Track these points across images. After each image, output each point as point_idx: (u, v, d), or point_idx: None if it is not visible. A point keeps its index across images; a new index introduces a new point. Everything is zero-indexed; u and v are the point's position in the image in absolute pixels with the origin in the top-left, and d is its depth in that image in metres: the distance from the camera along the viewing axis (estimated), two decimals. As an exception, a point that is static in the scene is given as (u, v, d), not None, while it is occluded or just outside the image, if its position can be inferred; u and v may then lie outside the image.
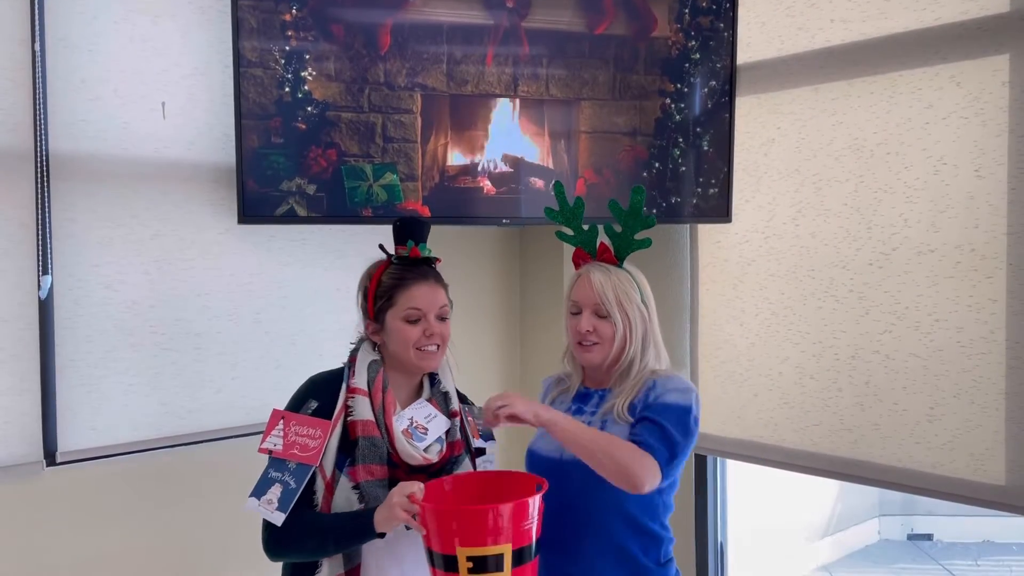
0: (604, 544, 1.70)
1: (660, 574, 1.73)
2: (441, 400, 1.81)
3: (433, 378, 1.82)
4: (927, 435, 2.23)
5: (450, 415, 1.79)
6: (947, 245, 2.19)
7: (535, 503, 1.51)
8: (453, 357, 1.85)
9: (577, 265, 1.84)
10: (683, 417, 1.68)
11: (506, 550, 1.46)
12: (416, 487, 1.54)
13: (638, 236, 1.80)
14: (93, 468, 2.18)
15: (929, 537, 6.57)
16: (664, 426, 1.65)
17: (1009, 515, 2.19)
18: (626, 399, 1.73)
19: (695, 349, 2.74)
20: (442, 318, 1.76)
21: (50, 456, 2.12)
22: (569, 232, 1.85)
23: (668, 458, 1.63)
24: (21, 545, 2.08)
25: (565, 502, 1.68)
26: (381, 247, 1.81)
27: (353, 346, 1.79)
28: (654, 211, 2.50)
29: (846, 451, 2.39)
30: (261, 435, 1.67)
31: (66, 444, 2.15)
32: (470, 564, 1.45)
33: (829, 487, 5.99)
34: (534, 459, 1.81)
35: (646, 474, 1.58)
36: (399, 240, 1.79)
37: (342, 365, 1.77)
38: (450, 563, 1.46)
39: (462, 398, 1.87)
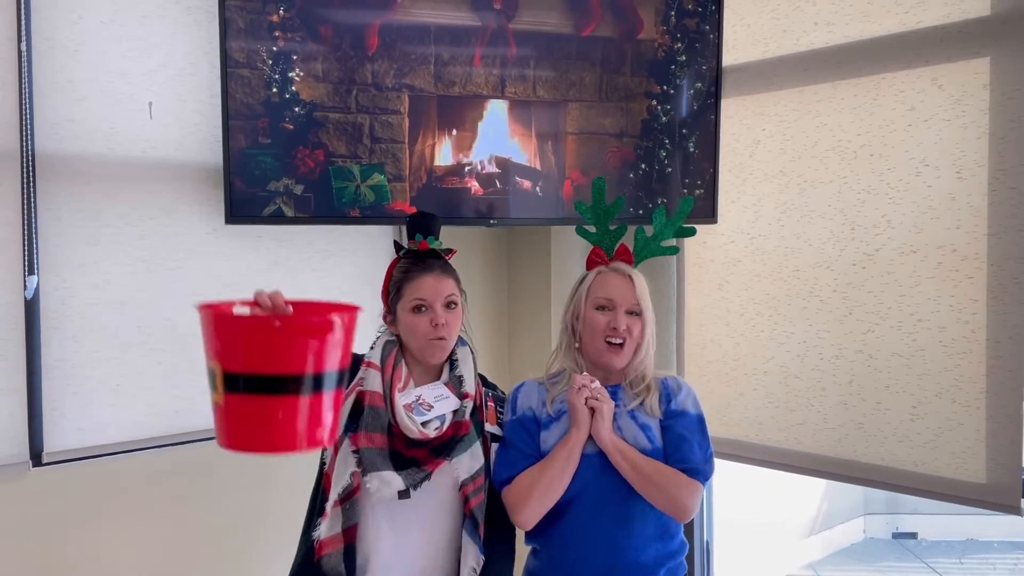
0: (652, 521, 1.76)
1: (685, 550, 1.83)
2: (456, 383, 1.85)
3: (453, 364, 1.87)
4: (910, 434, 2.26)
5: (461, 396, 1.83)
6: (929, 246, 2.22)
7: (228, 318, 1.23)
8: (475, 342, 1.93)
9: (592, 264, 1.87)
10: (705, 426, 1.82)
11: (215, 368, 1.21)
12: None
13: (665, 243, 1.84)
14: (80, 468, 2.18)
15: (914, 535, 6.62)
16: (704, 445, 1.78)
17: (990, 513, 2.21)
18: (652, 396, 1.80)
19: (681, 349, 2.76)
20: (449, 307, 1.79)
21: (36, 456, 2.11)
22: (592, 230, 1.88)
23: (709, 474, 1.75)
24: (7, 545, 2.08)
25: (612, 489, 1.74)
26: (395, 243, 1.88)
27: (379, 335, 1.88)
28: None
29: (830, 450, 2.41)
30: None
31: (52, 444, 2.14)
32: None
33: (815, 486, 6.02)
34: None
35: (693, 502, 1.71)
36: (410, 235, 1.87)
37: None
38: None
39: (487, 383, 1.94)
